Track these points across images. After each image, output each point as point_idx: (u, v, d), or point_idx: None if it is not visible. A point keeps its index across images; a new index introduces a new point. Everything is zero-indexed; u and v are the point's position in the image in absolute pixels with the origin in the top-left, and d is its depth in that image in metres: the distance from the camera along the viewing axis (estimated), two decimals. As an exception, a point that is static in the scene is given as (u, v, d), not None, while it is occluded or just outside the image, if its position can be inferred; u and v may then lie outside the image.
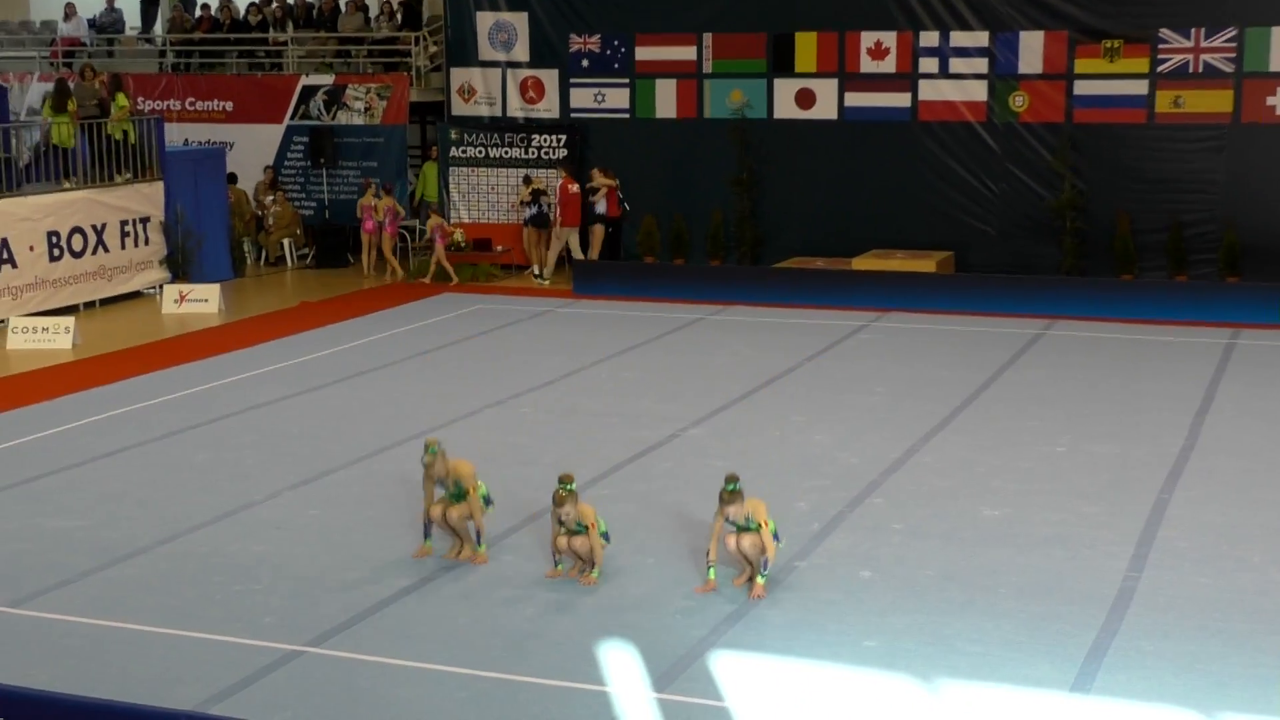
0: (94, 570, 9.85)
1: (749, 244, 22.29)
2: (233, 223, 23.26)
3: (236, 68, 26.29)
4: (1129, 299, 18.84)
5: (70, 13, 28.03)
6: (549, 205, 22.31)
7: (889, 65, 21.66)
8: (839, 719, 7.67)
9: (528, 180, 22.69)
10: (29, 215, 19.31)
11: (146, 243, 21.13)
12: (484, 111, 24.03)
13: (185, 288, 20.36)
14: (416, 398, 14.59)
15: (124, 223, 20.74)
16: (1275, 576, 9.53)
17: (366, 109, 24.41)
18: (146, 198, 21.18)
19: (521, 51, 23.67)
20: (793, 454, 12.30)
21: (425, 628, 8.83)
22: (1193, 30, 20.23)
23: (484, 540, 9.87)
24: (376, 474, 11.87)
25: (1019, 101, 21.10)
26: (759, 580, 9.22)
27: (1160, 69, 20.41)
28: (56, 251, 19.68)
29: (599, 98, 23.29)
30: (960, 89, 21.35)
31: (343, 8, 26.04)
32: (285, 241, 24.17)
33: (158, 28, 28.54)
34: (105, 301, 20.53)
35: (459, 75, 24.15)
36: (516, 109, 23.83)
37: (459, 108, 24.19)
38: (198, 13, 27.75)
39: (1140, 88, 20.52)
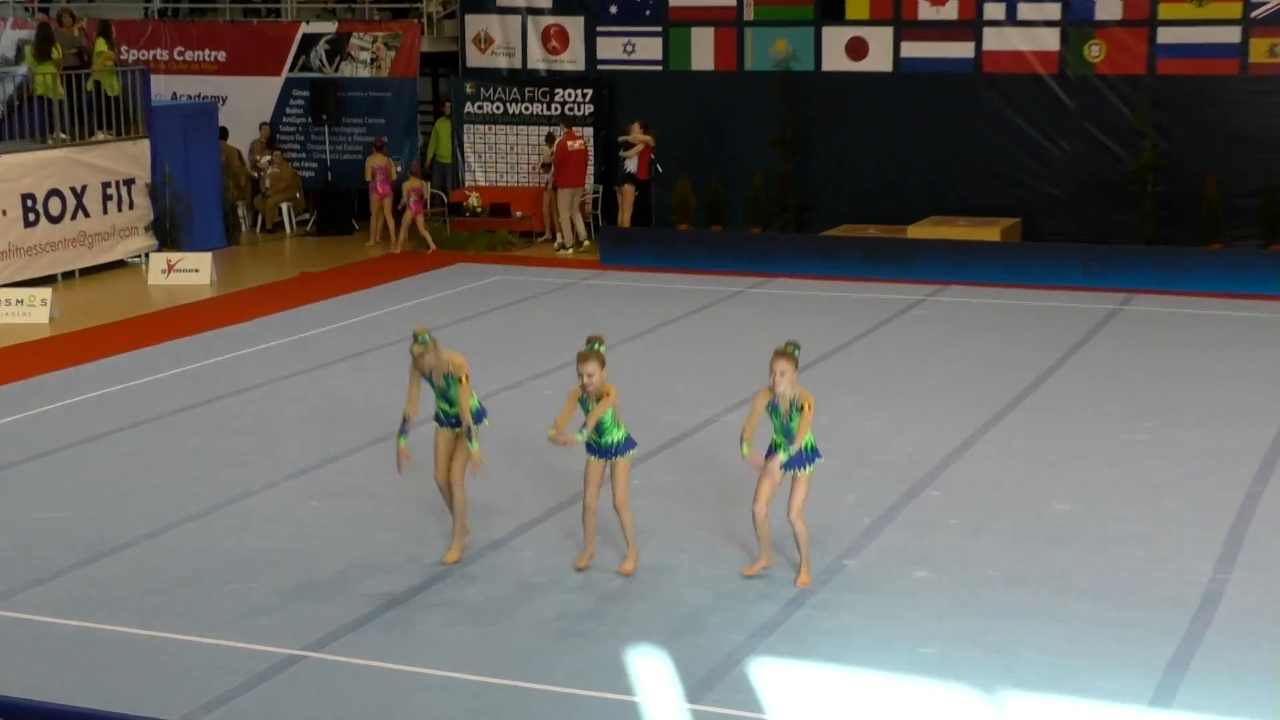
0: (74, 567, 9.89)
1: (793, 210, 22.25)
2: (225, 185, 23.33)
3: (230, 14, 26.36)
4: (1216, 270, 18.74)
5: (45, -47, 28.14)
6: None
7: (950, 11, 21.56)
8: (892, 734, 7.68)
9: (550, 139, 22.68)
10: (2, 176, 19.38)
11: (131, 207, 21.20)
12: (502, 63, 24.03)
13: (174, 256, 20.44)
14: (427, 378, 14.60)
15: (106, 185, 20.81)
16: (1378, 579, 9.49)
17: (373, 60, 24.43)
18: (131, 157, 21.25)
19: (543, -4, 23.71)
20: (841, 441, 12.27)
21: (435, 631, 8.84)
22: (1291, -29, 20.16)
23: (475, 438, 9.66)
24: (382, 462, 11.88)
25: (1095, 51, 20.98)
26: (803, 572, 9.30)
27: (1254, 14, 20.26)
28: (32, 216, 19.76)
29: (628, 48, 23.26)
30: (1029, 37, 21.22)
31: (347, -52, 26.12)
32: (283, 206, 24.23)
33: (143, -31, 28.63)
34: (85, 271, 20.62)
35: (475, 23, 24.13)
36: (538, 60, 23.82)
37: (475, 59, 24.18)
38: (187, -47, 27.86)
39: (1232, 35, 20.39)
